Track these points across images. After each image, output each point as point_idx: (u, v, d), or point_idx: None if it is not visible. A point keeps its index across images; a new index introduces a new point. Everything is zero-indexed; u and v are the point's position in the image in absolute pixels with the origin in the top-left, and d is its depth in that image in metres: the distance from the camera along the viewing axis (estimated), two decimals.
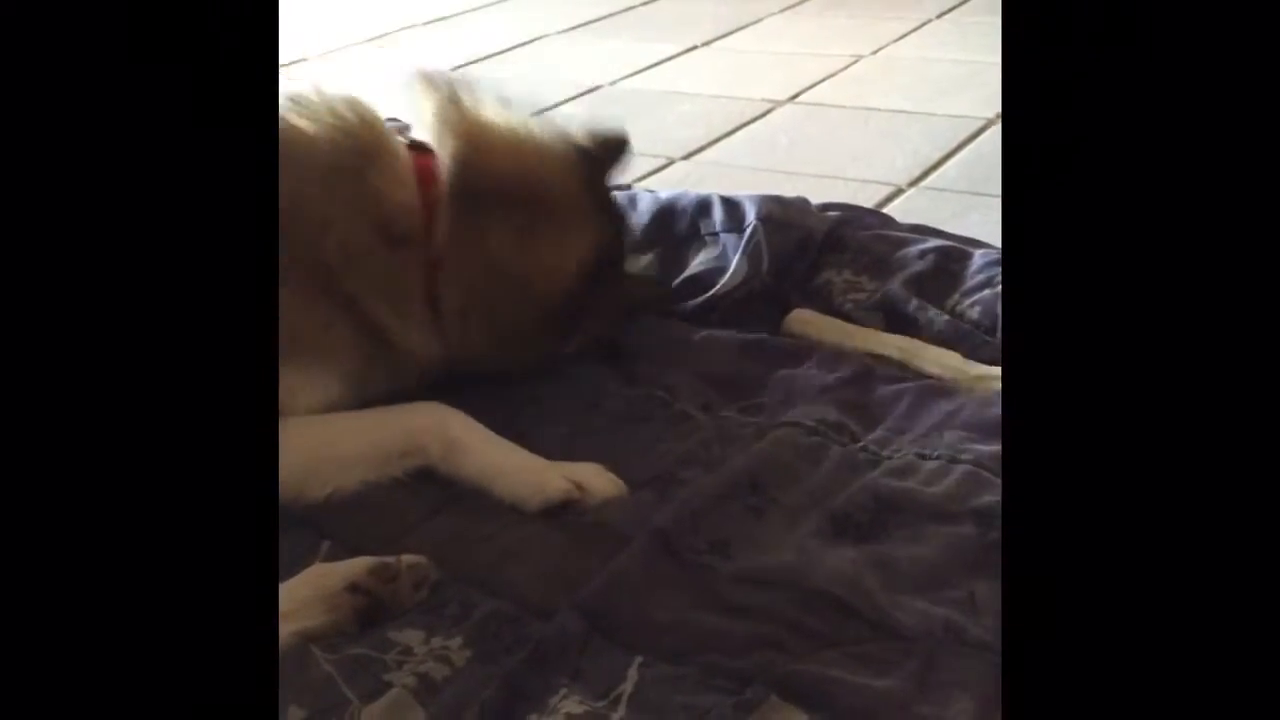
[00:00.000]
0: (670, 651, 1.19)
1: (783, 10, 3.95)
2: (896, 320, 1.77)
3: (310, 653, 1.19)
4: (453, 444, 1.46)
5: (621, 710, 1.12)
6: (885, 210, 2.23)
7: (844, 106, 2.99)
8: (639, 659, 1.18)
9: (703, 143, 2.77)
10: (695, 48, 3.58)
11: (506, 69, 3.42)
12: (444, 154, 1.55)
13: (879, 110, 2.94)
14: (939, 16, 3.76)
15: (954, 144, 2.65)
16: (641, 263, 1.88)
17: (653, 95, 3.16)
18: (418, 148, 1.57)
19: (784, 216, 1.92)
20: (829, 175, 2.50)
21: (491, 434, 1.48)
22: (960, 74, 3.14)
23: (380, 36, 3.85)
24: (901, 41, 3.53)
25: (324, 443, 1.44)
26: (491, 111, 1.61)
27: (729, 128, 2.85)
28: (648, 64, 3.42)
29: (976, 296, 1.78)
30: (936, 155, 2.60)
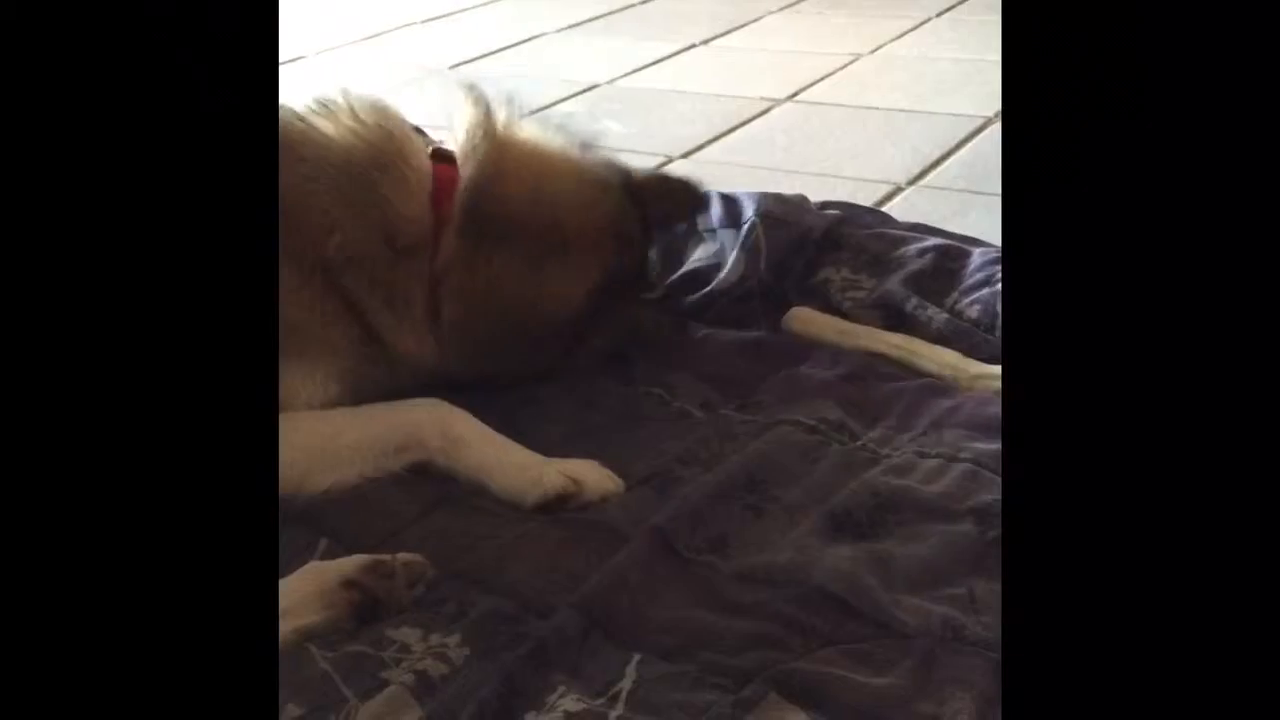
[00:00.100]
0: (669, 649, 1.18)
1: (781, 9, 3.95)
2: (895, 318, 1.77)
3: (307, 650, 1.19)
4: (451, 440, 1.46)
5: (620, 708, 1.12)
6: (884, 209, 2.23)
7: (843, 105, 2.99)
8: (637, 657, 1.17)
9: (701, 141, 2.77)
10: (694, 46, 3.58)
11: (505, 67, 3.42)
12: (464, 174, 1.55)
13: (878, 109, 2.94)
14: (938, 15, 3.76)
15: (953, 142, 2.65)
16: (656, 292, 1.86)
17: (651, 94, 3.15)
18: (446, 158, 1.57)
19: (782, 213, 1.92)
20: (828, 174, 2.50)
21: (490, 431, 1.48)
22: (959, 72, 3.15)
23: (378, 34, 3.85)
24: (900, 40, 3.53)
25: (324, 436, 1.44)
26: (525, 134, 1.61)
27: (728, 126, 2.85)
28: (646, 62, 3.41)
29: (975, 295, 1.78)
30: (935, 154, 2.60)
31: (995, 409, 1.52)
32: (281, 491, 1.28)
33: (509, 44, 3.67)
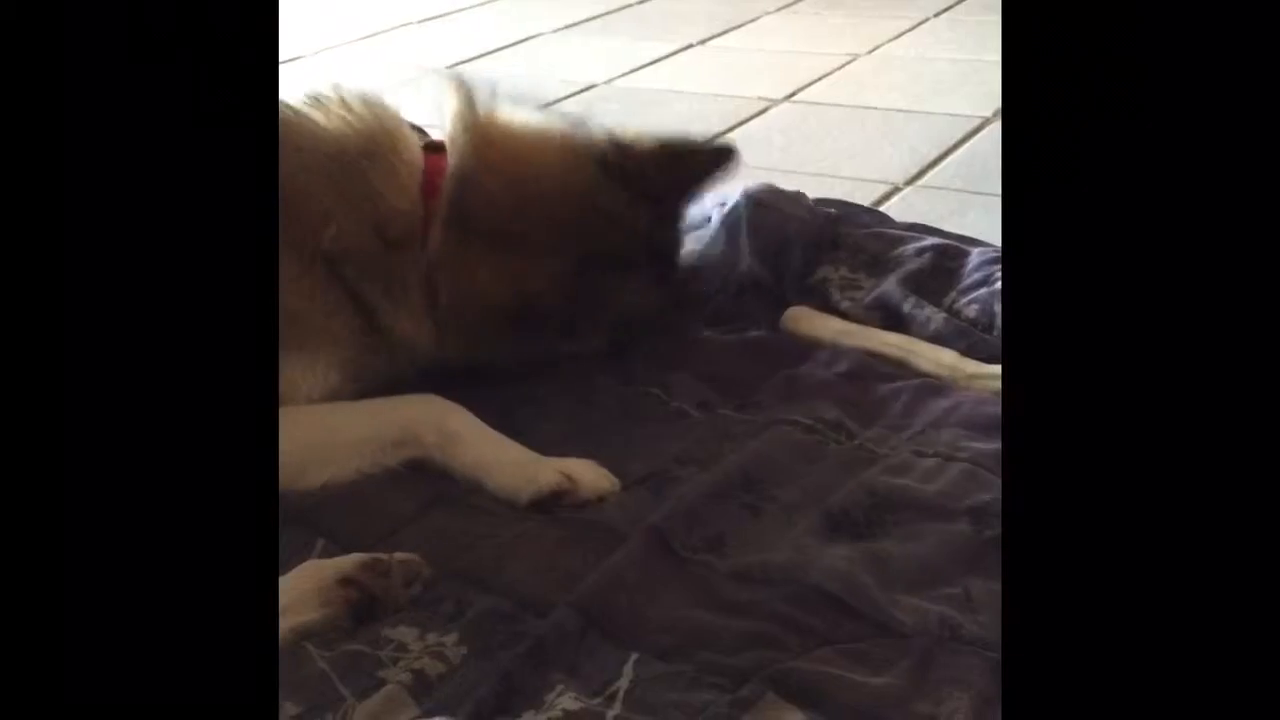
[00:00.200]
0: (666, 648, 1.18)
1: (779, 9, 3.95)
2: (893, 318, 1.77)
3: (305, 649, 1.18)
4: (447, 436, 1.46)
5: (617, 707, 1.12)
6: (882, 209, 2.23)
7: (841, 105, 2.99)
8: (635, 656, 1.17)
9: None
10: (691, 46, 3.58)
11: (502, 67, 3.42)
12: (450, 164, 1.55)
13: (876, 109, 2.94)
14: (935, 15, 3.76)
15: (951, 142, 2.65)
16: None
17: (648, 94, 3.15)
18: (439, 150, 1.57)
19: (772, 200, 1.91)
20: (826, 174, 2.50)
21: (486, 428, 1.47)
22: (957, 72, 3.15)
23: (375, 34, 3.85)
24: (898, 40, 3.53)
25: (321, 430, 1.44)
26: (505, 120, 1.60)
27: (725, 126, 2.84)
28: (643, 62, 3.41)
29: (974, 295, 1.77)
30: (933, 154, 2.60)
31: (993, 408, 1.52)
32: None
33: (506, 44, 3.67)
